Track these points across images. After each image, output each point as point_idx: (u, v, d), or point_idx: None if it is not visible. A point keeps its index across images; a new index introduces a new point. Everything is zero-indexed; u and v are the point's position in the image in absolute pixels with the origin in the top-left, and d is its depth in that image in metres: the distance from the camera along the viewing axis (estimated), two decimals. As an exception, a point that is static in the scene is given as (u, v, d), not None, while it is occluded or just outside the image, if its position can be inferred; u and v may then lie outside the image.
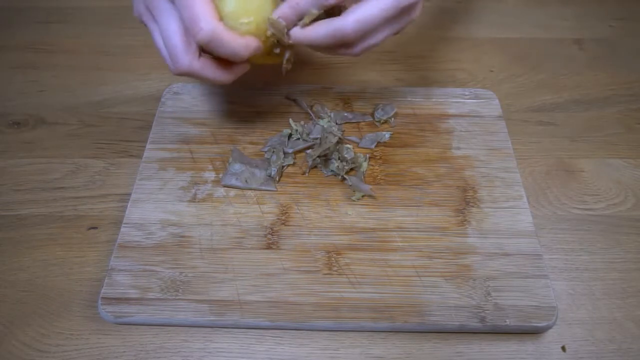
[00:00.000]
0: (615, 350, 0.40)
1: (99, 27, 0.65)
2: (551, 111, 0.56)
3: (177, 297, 0.40)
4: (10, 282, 0.43)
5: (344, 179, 0.48)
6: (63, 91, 0.58)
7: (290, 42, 0.40)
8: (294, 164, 0.49)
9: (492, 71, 0.60)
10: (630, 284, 0.43)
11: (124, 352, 0.40)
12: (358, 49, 0.40)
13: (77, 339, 0.40)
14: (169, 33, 0.38)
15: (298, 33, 0.39)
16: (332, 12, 0.40)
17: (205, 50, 0.39)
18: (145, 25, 0.41)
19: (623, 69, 0.60)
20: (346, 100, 0.55)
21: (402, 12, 0.39)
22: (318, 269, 0.42)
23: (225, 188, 0.47)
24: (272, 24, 0.39)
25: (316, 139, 0.50)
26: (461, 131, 0.52)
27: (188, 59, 0.38)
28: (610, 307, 0.42)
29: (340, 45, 0.39)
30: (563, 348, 0.40)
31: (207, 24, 0.36)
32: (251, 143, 0.51)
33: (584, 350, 0.40)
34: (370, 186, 0.47)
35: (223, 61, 0.40)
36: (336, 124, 0.51)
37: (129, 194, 0.47)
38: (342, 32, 0.38)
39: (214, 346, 0.40)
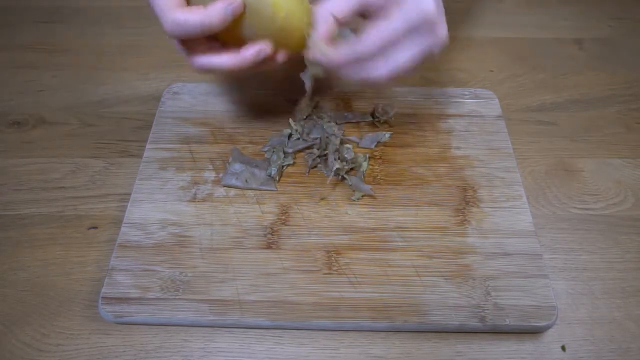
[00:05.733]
0: (614, 350, 0.40)
1: (99, 27, 0.65)
2: (551, 111, 0.56)
3: (178, 297, 0.40)
4: (11, 281, 0.43)
5: (344, 178, 0.48)
6: (63, 91, 0.58)
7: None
8: (294, 163, 0.49)
9: (492, 71, 0.60)
10: (629, 283, 0.43)
11: (124, 351, 0.40)
12: (384, 69, 0.40)
13: (77, 339, 0.40)
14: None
15: (321, 56, 0.40)
16: None
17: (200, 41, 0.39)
18: None
19: (623, 69, 0.60)
20: (346, 100, 0.55)
21: (419, 28, 0.39)
22: (318, 269, 0.42)
23: (225, 188, 0.47)
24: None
25: (316, 138, 0.50)
26: (461, 131, 0.52)
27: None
28: (610, 307, 0.42)
29: (363, 62, 0.40)
30: (563, 347, 0.40)
31: (166, 18, 0.37)
32: (251, 143, 0.51)
33: (584, 349, 0.40)
34: (370, 186, 0.47)
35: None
36: (336, 124, 0.51)
37: (129, 194, 0.47)
38: (362, 47, 0.39)
39: (214, 346, 0.40)
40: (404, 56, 0.40)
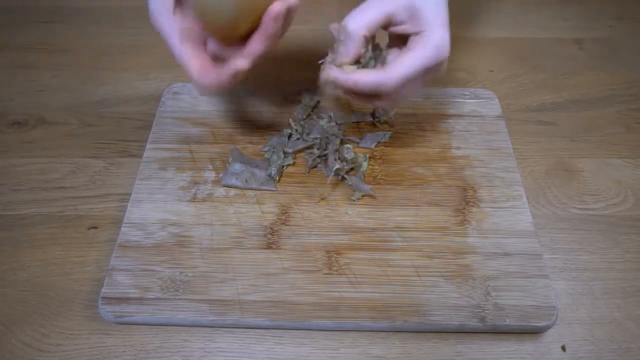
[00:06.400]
0: (615, 350, 0.40)
1: (99, 27, 0.65)
2: (551, 111, 0.56)
3: (178, 297, 0.40)
4: (11, 281, 0.43)
5: (344, 178, 0.48)
6: (63, 91, 0.58)
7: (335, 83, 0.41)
8: (294, 163, 0.49)
9: (492, 71, 0.60)
10: (630, 283, 0.43)
11: (124, 351, 0.40)
12: (395, 100, 0.42)
13: (77, 339, 0.40)
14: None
15: (343, 76, 0.41)
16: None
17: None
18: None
19: (623, 69, 0.60)
20: (346, 100, 0.55)
21: (434, 66, 0.40)
22: (318, 269, 0.42)
23: (225, 188, 0.47)
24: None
25: (316, 138, 0.50)
26: (461, 131, 0.52)
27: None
28: (610, 307, 0.42)
29: (376, 95, 0.41)
30: (563, 348, 0.40)
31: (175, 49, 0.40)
32: (251, 143, 0.51)
33: (584, 349, 0.40)
34: (370, 186, 0.47)
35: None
36: (336, 124, 0.51)
37: (129, 194, 0.47)
38: (385, 86, 0.40)
39: (214, 346, 0.40)
40: (414, 88, 0.41)
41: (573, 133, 0.54)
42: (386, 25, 0.41)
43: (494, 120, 0.53)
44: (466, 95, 0.55)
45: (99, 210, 0.47)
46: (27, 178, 0.50)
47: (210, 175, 0.48)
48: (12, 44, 0.63)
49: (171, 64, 0.61)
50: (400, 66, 0.39)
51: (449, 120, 0.53)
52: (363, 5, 0.41)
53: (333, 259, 0.43)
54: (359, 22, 0.40)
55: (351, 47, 0.40)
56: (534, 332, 0.41)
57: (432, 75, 0.41)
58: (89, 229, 0.46)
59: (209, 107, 0.54)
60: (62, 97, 0.57)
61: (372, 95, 0.41)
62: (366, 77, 0.40)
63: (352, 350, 0.40)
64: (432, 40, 0.39)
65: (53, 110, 0.56)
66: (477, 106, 0.54)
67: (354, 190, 0.47)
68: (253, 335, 0.40)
